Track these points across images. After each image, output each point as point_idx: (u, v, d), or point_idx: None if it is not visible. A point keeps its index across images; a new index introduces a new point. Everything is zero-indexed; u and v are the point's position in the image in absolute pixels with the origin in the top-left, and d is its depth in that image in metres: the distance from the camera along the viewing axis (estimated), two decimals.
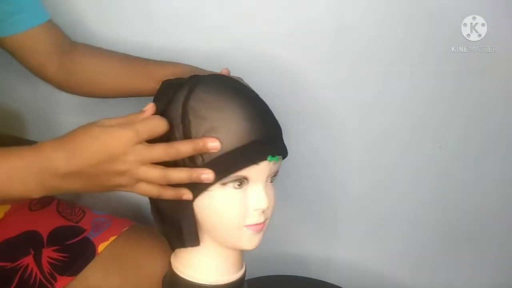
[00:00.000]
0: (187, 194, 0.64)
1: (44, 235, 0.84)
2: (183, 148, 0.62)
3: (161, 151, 0.61)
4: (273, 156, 0.66)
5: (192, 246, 0.68)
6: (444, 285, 1.22)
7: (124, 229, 0.86)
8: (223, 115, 0.64)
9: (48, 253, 0.81)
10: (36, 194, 0.63)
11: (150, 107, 0.66)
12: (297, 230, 1.21)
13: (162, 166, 0.62)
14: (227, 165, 0.64)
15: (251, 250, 0.69)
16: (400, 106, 1.07)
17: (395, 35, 1.01)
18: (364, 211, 1.17)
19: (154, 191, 0.64)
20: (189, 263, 0.72)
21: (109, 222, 0.88)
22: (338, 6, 0.99)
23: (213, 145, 0.62)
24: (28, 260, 0.80)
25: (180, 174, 0.62)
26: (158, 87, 0.72)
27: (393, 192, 1.15)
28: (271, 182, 0.70)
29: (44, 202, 0.90)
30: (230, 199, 0.66)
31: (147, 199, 0.71)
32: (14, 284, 0.78)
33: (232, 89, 0.68)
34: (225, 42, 1.01)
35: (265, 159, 0.66)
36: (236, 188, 0.66)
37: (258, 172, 0.66)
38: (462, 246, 1.19)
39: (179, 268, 0.73)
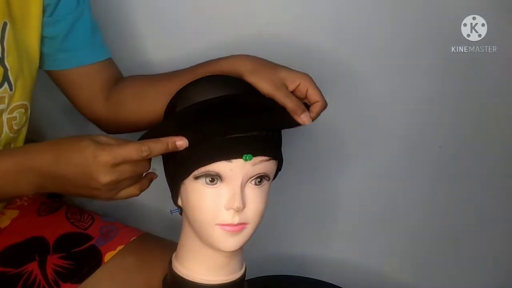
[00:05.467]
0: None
1: (51, 242, 0.83)
2: (155, 147, 0.64)
3: (133, 152, 0.62)
4: (246, 154, 0.64)
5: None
6: (444, 285, 1.22)
7: (133, 239, 0.85)
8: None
9: (53, 260, 0.80)
10: (27, 192, 0.66)
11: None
12: (297, 230, 1.21)
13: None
14: (196, 159, 0.65)
15: (228, 251, 0.68)
16: (400, 106, 1.07)
17: (395, 35, 1.01)
18: (364, 211, 1.17)
19: (135, 192, 0.67)
20: (189, 262, 0.72)
21: (117, 231, 0.86)
22: (338, 6, 0.99)
23: (180, 143, 0.65)
24: (33, 266, 0.79)
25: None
26: None
27: (393, 192, 1.15)
28: (257, 184, 0.67)
29: (53, 208, 0.90)
30: (201, 194, 0.66)
31: (156, 207, 0.71)
32: None
33: (213, 89, 0.69)
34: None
35: (238, 157, 0.65)
36: (208, 183, 0.65)
37: (232, 170, 0.65)
38: (462, 246, 1.19)
39: (178, 268, 0.73)
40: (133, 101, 0.83)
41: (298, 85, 0.73)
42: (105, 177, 0.62)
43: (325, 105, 0.74)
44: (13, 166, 0.64)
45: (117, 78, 0.87)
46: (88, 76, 0.83)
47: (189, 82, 0.72)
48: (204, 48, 0.95)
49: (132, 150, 0.62)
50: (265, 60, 0.76)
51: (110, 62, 0.87)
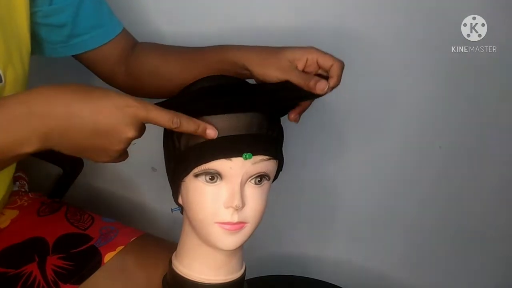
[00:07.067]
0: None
1: (50, 242, 0.83)
2: (186, 124, 0.61)
3: (166, 118, 0.60)
4: (246, 153, 0.64)
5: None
6: (444, 284, 1.22)
7: (132, 239, 0.84)
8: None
9: (53, 261, 0.80)
10: (28, 147, 0.57)
11: None
12: (297, 230, 1.21)
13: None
14: (196, 157, 0.65)
15: (227, 250, 0.68)
16: (400, 106, 1.07)
17: (395, 35, 1.01)
18: (364, 212, 1.17)
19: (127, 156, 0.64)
20: (189, 261, 0.72)
21: (117, 231, 0.86)
22: (337, 6, 0.99)
23: (210, 131, 0.64)
24: (32, 267, 0.79)
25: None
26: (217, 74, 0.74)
27: (392, 192, 1.15)
28: (257, 183, 0.67)
29: (53, 208, 0.89)
30: (200, 192, 0.66)
31: (156, 208, 0.69)
32: None
33: (215, 87, 0.70)
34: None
35: (237, 155, 0.64)
36: (208, 181, 0.66)
37: (231, 169, 0.65)
38: (462, 246, 1.19)
39: (178, 267, 0.73)
40: (150, 78, 0.82)
41: (307, 61, 0.72)
42: (131, 132, 0.58)
43: (342, 65, 0.72)
44: (8, 115, 0.55)
45: (133, 45, 0.87)
46: (105, 53, 0.83)
47: (188, 84, 0.72)
48: (214, 22, 0.98)
49: (166, 116, 0.60)
50: (268, 47, 0.75)
51: (122, 33, 0.85)
